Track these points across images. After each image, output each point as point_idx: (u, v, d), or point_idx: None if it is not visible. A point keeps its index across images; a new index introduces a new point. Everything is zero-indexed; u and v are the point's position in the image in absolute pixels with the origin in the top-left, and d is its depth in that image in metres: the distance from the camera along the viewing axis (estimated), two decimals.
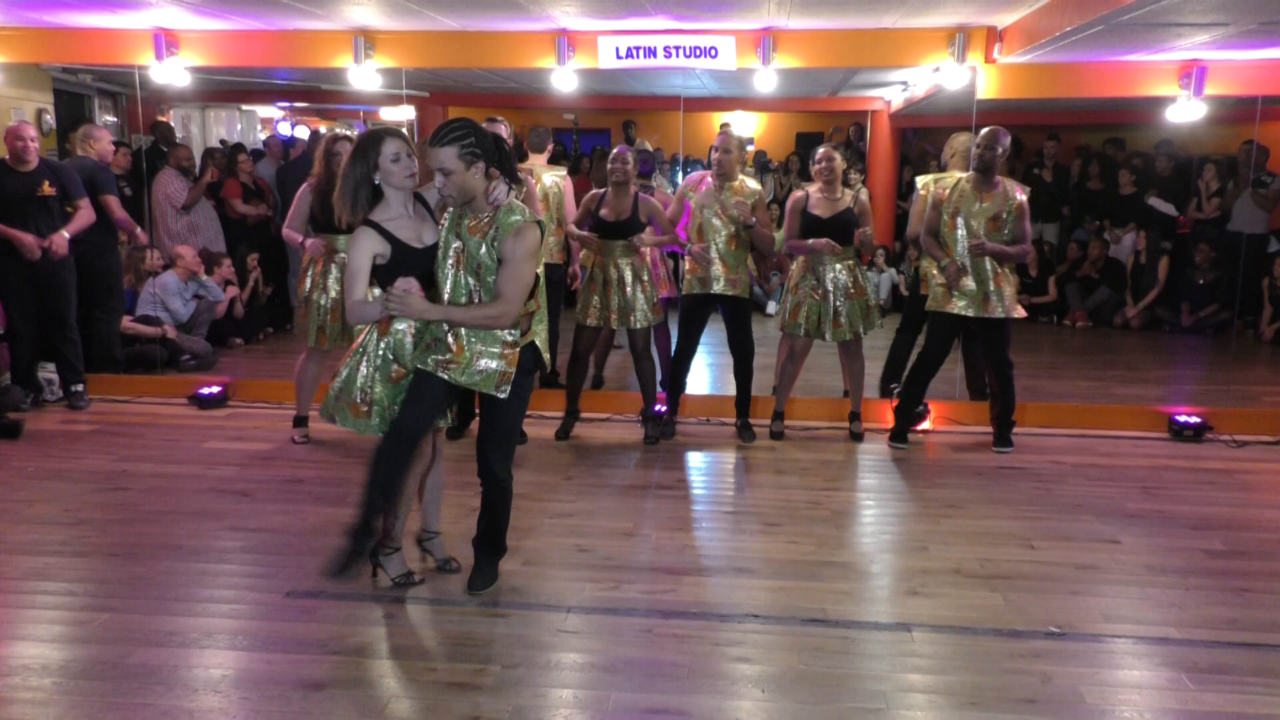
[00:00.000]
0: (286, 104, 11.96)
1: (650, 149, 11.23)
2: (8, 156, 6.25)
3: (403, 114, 10.78)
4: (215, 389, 6.67)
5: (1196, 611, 3.75)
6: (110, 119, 9.54)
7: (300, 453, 5.64)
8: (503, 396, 3.59)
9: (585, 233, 5.76)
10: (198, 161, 8.83)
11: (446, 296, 3.57)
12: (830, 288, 5.82)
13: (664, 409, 6.09)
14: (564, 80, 6.42)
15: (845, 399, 6.27)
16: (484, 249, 3.50)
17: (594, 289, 5.77)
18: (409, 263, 3.54)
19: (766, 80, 6.35)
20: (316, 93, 10.26)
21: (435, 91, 9.77)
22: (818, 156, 5.88)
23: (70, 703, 3.02)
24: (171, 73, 6.60)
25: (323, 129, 11.96)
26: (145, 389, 6.86)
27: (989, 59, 6.11)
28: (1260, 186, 9.20)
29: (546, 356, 3.83)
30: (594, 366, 6.73)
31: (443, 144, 3.41)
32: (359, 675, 3.21)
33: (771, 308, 9.94)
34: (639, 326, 5.77)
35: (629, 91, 10.01)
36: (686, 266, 5.91)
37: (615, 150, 5.79)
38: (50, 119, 8.16)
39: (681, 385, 6.06)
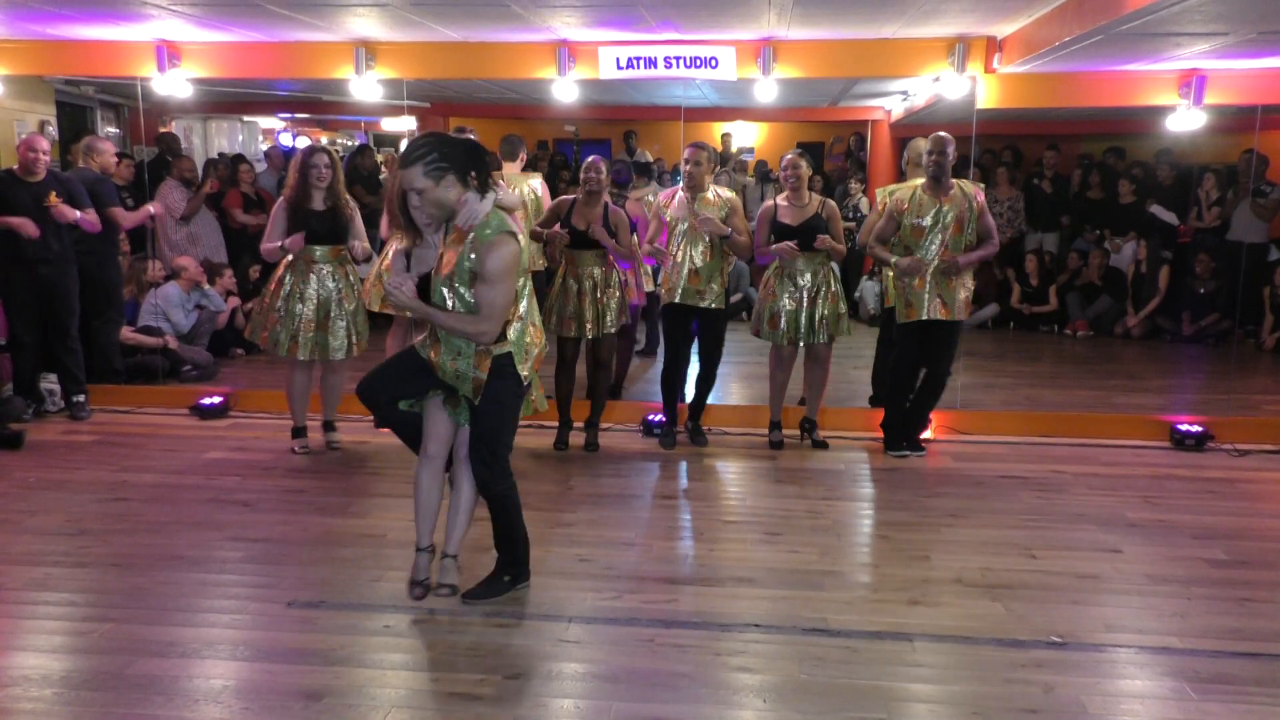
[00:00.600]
0: (288, 115, 12.02)
1: (649, 159, 11.29)
2: (16, 167, 6.27)
3: (404, 125, 10.83)
4: (216, 399, 6.67)
5: (1199, 621, 3.74)
6: (112, 130, 9.58)
7: (301, 463, 5.64)
8: (476, 402, 3.60)
9: (555, 229, 5.70)
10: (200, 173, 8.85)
11: (432, 299, 3.59)
12: (804, 294, 5.81)
13: (663, 419, 6.10)
14: (565, 91, 6.44)
15: (845, 409, 6.27)
16: (459, 260, 3.47)
17: (567, 300, 5.77)
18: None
19: (767, 90, 6.37)
20: (318, 104, 10.32)
21: (436, 102, 9.82)
22: (783, 164, 5.89)
23: (71, 713, 3.01)
24: (173, 84, 6.62)
25: (324, 139, 12.01)
26: (147, 399, 6.87)
27: (989, 69, 6.12)
28: (1260, 196, 9.21)
29: (524, 370, 3.67)
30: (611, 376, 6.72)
31: (407, 165, 3.37)
32: (360, 685, 3.21)
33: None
34: (605, 334, 5.78)
35: (630, 102, 10.04)
36: (661, 278, 5.92)
37: (589, 159, 5.80)
38: (53, 130, 8.19)
39: (676, 395, 6.05)
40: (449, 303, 3.52)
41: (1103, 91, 6.49)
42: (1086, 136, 11.45)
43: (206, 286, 7.98)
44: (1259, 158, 9.13)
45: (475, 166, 3.44)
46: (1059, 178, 10.79)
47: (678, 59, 6.25)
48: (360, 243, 5.62)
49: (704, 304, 5.77)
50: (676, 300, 5.77)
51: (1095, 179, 10.63)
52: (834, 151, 12.50)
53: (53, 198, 6.17)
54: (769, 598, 3.90)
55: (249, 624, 3.64)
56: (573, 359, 5.95)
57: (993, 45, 6.08)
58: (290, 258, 5.57)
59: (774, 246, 5.78)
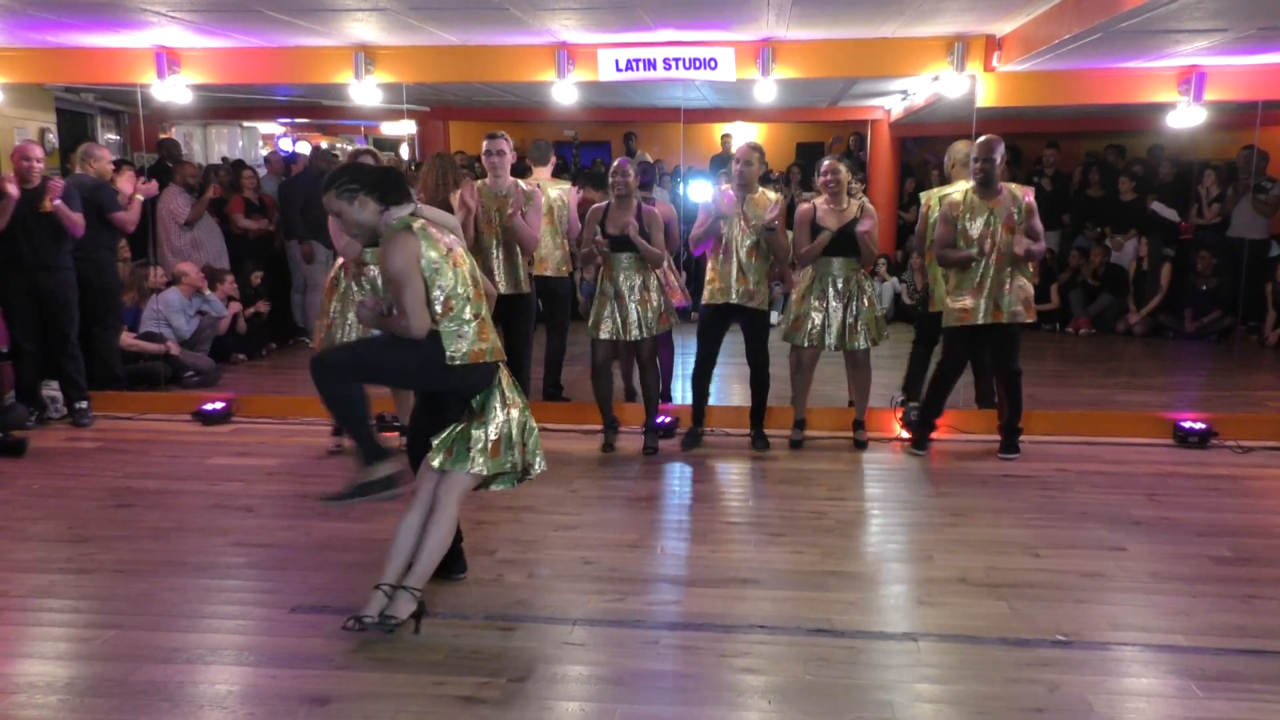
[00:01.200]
0: (288, 120, 12.02)
1: (650, 160, 11.29)
2: (12, 175, 6.27)
3: (403, 129, 10.85)
4: (219, 405, 6.67)
5: (1204, 618, 3.73)
6: (112, 137, 9.59)
7: (305, 468, 5.64)
8: None
9: (599, 240, 5.71)
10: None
11: None
12: (835, 299, 5.83)
13: (666, 420, 6.09)
14: (564, 93, 6.44)
15: (849, 408, 6.27)
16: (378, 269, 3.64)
17: (604, 302, 5.79)
18: None
19: (766, 91, 6.37)
20: (317, 108, 10.32)
21: (436, 106, 9.83)
22: (823, 169, 5.90)
23: None
24: (173, 91, 6.62)
25: (324, 144, 12.02)
26: (149, 405, 6.87)
27: (988, 67, 6.12)
28: (1260, 192, 9.20)
29: (459, 347, 3.55)
30: (623, 379, 6.72)
31: (324, 192, 3.58)
32: (364, 689, 3.20)
33: (774, 317, 9.94)
34: (645, 337, 5.78)
35: (629, 104, 10.04)
36: (707, 277, 5.91)
37: (616, 163, 5.81)
38: (53, 138, 8.20)
39: (705, 394, 6.04)
40: (392, 310, 3.61)
41: (1102, 89, 6.49)
42: (1087, 134, 11.45)
43: (207, 292, 7.99)
44: (1259, 154, 9.12)
45: (387, 187, 3.58)
46: (1059, 175, 10.79)
47: (677, 60, 6.25)
48: None
49: (751, 304, 5.77)
50: (731, 300, 5.75)
51: (1095, 177, 10.63)
52: (833, 151, 12.49)
53: (48, 203, 6.17)
54: (773, 599, 3.90)
55: (253, 629, 3.64)
56: (605, 362, 5.94)
57: (992, 44, 6.07)
58: (340, 260, 5.52)
59: (818, 239, 5.79)
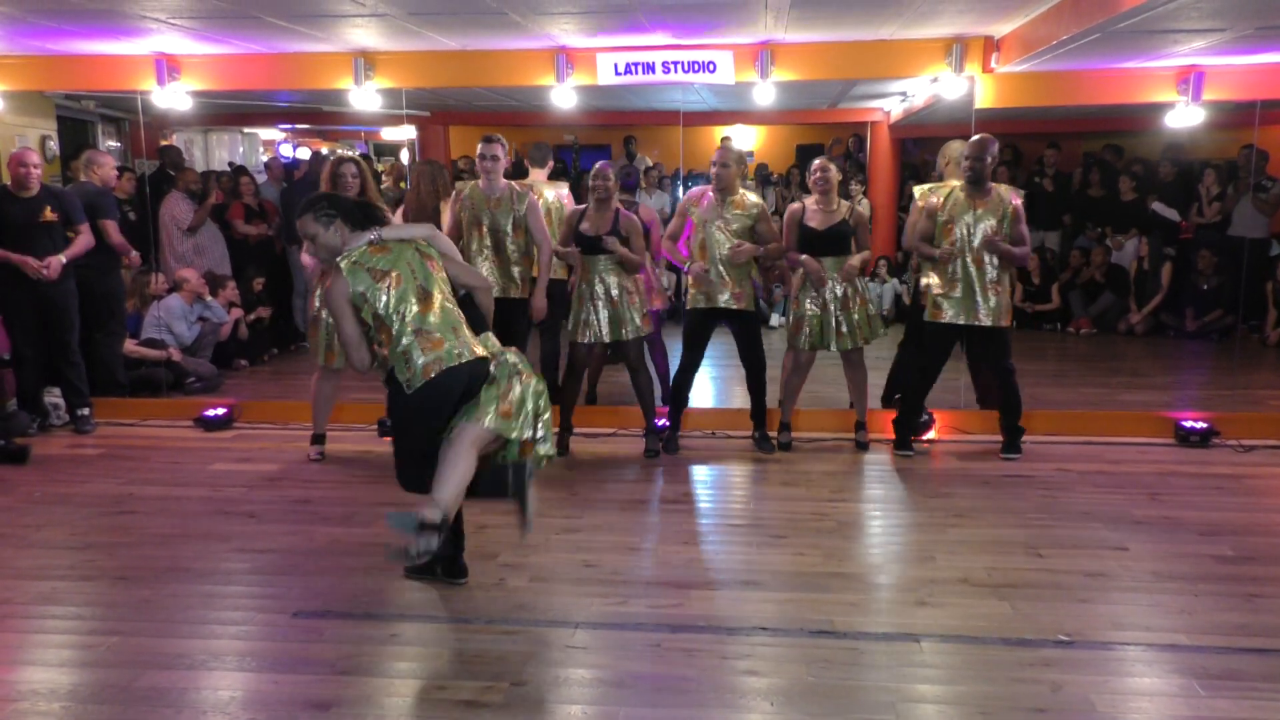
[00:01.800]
0: (288, 126, 12.05)
1: (650, 163, 11.30)
2: (9, 183, 6.28)
3: (403, 134, 10.86)
4: (221, 411, 6.68)
5: (1206, 618, 3.73)
6: (113, 144, 9.61)
7: (307, 473, 5.64)
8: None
9: (568, 248, 5.78)
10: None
11: None
12: (829, 299, 5.83)
13: (665, 423, 6.09)
14: (563, 97, 6.45)
15: (850, 410, 6.27)
16: None
17: (583, 305, 5.79)
18: None
19: (765, 93, 6.38)
20: (318, 114, 10.34)
21: (436, 111, 9.84)
22: (813, 168, 5.90)
23: None
24: (174, 97, 6.64)
25: (324, 150, 12.04)
26: (151, 412, 6.88)
27: (987, 68, 6.13)
28: (1261, 191, 9.21)
29: (405, 376, 3.69)
30: (588, 383, 6.72)
31: (300, 215, 3.80)
32: (367, 695, 3.21)
33: (775, 320, 9.95)
34: (630, 338, 5.78)
35: (628, 107, 10.05)
36: (689, 282, 5.92)
37: (597, 166, 5.81)
38: (54, 145, 8.21)
39: (684, 400, 6.05)
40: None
41: (1101, 89, 6.49)
42: (1086, 134, 11.45)
43: (209, 298, 8.00)
44: (1259, 153, 9.13)
45: (359, 217, 3.83)
46: (1060, 176, 10.79)
47: (676, 64, 6.26)
48: None
49: (737, 306, 5.78)
50: (715, 305, 5.76)
51: (1096, 176, 10.63)
52: (833, 153, 12.51)
53: (48, 212, 6.18)
54: (775, 600, 3.90)
55: (255, 635, 3.64)
56: (582, 367, 5.94)
57: (990, 45, 6.08)
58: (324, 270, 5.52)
59: (803, 257, 5.79)
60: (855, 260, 5.82)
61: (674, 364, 6.22)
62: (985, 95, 6.22)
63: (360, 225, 3.80)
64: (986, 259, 5.58)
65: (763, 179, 11.55)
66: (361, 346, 3.75)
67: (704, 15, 5.45)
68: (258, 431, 6.55)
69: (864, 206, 10.00)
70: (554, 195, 6.53)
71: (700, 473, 5.73)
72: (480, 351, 3.80)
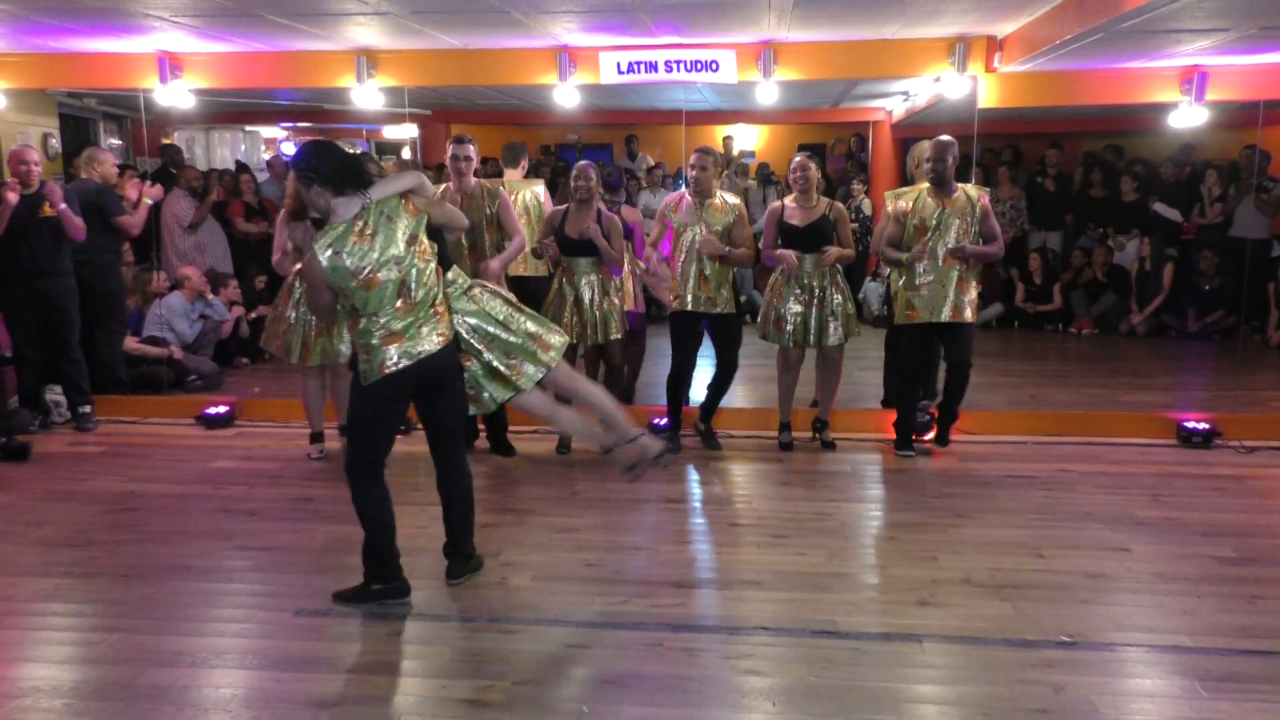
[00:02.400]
0: (290, 124, 12.03)
1: (652, 162, 11.29)
2: (10, 180, 6.28)
3: (405, 132, 10.85)
4: (222, 409, 6.68)
5: (1209, 619, 3.73)
6: (115, 142, 9.61)
7: (308, 471, 5.64)
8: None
9: (547, 240, 5.73)
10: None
11: None
12: (809, 296, 5.82)
13: (663, 422, 6.09)
14: (566, 96, 6.44)
15: (853, 411, 6.26)
16: None
17: (563, 306, 5.78)
18: None
19: (768, 93, 6.37)
20: (319, 112, 10.32)
21: (438, 109, 9.83)
22: (793, 165, 5.89)
23: None
24: (176, 95, 6.64)
25: None
26: (152, 410, 6.88)
27: (989, 68, 6.12)
28: (1262, 192, 9.19)
29: (367, 359, 3.66)
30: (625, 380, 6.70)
31: (291, 168, 3.77)
32: (369, 693, 3.21)
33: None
34: (614, 338, 5.78)
35: (631, 106, 10.04)
36: (669, 284, 5.88)
37: (578, 166, 5.81)
38: (56, 143, 8.22)
39: (683, 400, 6.05)
40: None
41: (1104, 89, 6.49)
42: (1089, 134, 11.44)
43: (210, 296, 8.00)
44: (1261, 153, 9.10)
45: (344, 178, 3.60)
46: (1062, 176, 10.78)
47: (678, 63, 6.26)
48: None
49: (716, 310, 5.77)
50: (688, 308, 5.76)
51: (1097, 177, 10.61)
52: (835, 153, 12.51)
53: (47, 208, 6.19)
54: (777, 600, 3.90)
55: (257, 633, 3.64)
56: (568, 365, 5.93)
57: (993, 45, 6.08)
58: (299, 266, 5.55)
59: (778, 252, 5.79)
60: (833, 251, 5.77)
61: (659, 369, 6.19)
62: (988, 95, 6.22)
63: (340, 190, 3.58)
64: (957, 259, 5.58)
65: (764, 178, 11.54)
66: (330, 313, 3.77)
67: (706, 14, 5.45)
68: (259, 429, 6.55)
69: (865, 206, 10.00)
70: (530, 193, 6.50)
71: (701, 473, 5.73)
72: (444, 335, 3.74)
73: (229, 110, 9.90)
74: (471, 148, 5.69)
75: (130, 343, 7.33)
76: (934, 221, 5.58)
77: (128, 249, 7.58)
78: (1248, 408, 6.75)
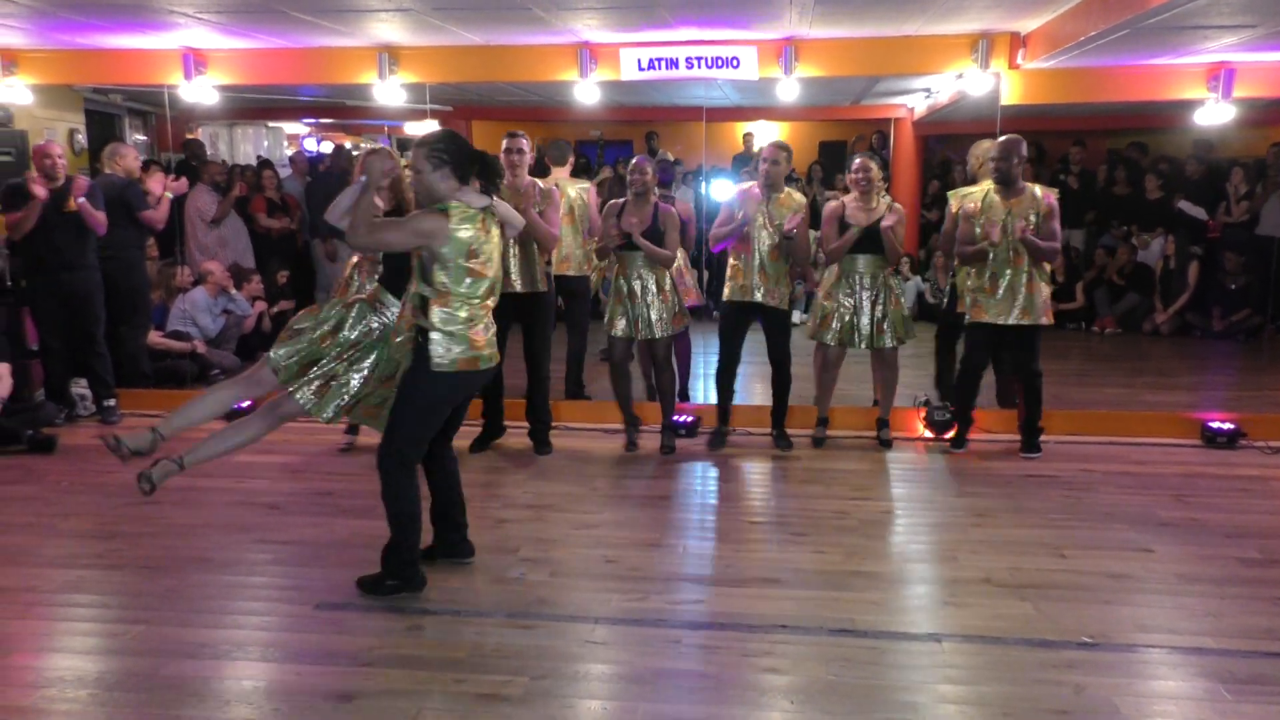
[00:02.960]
0: (312, 120, 12.10)
1: (671, 159, 11.27)
2: (36, 174, 6.34)
3: (426, 128, 10.88)
4: (244, 403, 6.70)
5: (1233, 621, 3.69)
6: (140, 138, 9.69)
7: (329, 465, 5.68)
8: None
9: (614, 232, 5.68)
10: None
11: None
12: (863, 297, 5.82)
13: (685, 419, 6.08)
14: (586, 93, 6.44)
15: (873, 408, 6.25)
16: None
17: (619, 300, 5.80)
18: None
19: (789, 89, 6.35)
20: (341, 108, 10.38)
21: (459, 105, 9.86)
22: (854, 167, 5.89)
23: (106, 714, 3.05)
24: (200, 91, 6.68)
25: (348, 144, 12.09)
26: (176, 403, 6.82)
27: (1013, 65, 6.07)
28: None
29: (446, 348, 3.72)
30: (643, 378, 6.72)
31: (418, 146, 3.68)
32: (388, 686, 3.22)
33: (796, 317, 9.90)
34: (659, 336, 5.78)
35: (651, 103, 10.04)
36: (729, 274, 5.89)
37: (634, 161, 5.80)
38: (82, 139, 8.29)
39: (730, 394, 6.01)
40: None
41: (1129, 86, 6.42)
42: (1113, 132, 11.34)
43: (232, 291, 8.06)
44: None
45: (478, 169, 3.71)
46: (1085, 173, 10.69)
47: (699, 59, 6.25)
48: None
49: (772, 303, 5.76)
50: (751, 299, 5.74)
51: (1121, 174, 10.53)
52: (856, 150, 12.44)
53: (71, 202, 6.24)
54: (796, 598, 3.89)
55: (278, 625, 3.67)
56: (622, 360, 5.94)
57: (1017, 41, 6.03)
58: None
59: (846, 235, 5.77)
60: (897, 228, 5.78)
61: (702, 362, 6.20)
62: (1011, 92, 6.17)
63: (465, 180, 3.68)
64: (1025, 259, 5.55)
65: (785, 176, 11.48)
66: (372, 234, 3.66)
67: (728, 10, 5.43)
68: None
69: (899, 205, 9.93)
70: (576, 191, 6.54)
71: (721, 469, 5.72)
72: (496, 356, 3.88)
73: (252, 106, 9.94)
74: (524, 142, 5.69)
75: (154, 337, 7.39)
76: (1002, 221, 5.55)
77: (152, 244, 7.64)
78: (1273, 408, 6.68)
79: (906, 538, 4.67)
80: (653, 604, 3.83)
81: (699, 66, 6.25)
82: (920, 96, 9.67)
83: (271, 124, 11.62)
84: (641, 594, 3.92)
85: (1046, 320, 5.65)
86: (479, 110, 10.42)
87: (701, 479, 5.57)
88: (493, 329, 3.85)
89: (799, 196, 5.87)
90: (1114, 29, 4.74)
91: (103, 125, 9.03)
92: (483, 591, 3.94)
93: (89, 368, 6.57)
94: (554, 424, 6.06)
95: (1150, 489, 5.25)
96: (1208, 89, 6.07)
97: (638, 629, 3.63)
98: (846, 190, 6.04)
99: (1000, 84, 6.14)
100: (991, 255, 5.58)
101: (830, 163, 11.53)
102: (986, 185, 5.75)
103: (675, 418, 6.10)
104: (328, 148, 11.99)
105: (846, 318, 5.86)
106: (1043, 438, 5.84)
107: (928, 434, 6.16)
